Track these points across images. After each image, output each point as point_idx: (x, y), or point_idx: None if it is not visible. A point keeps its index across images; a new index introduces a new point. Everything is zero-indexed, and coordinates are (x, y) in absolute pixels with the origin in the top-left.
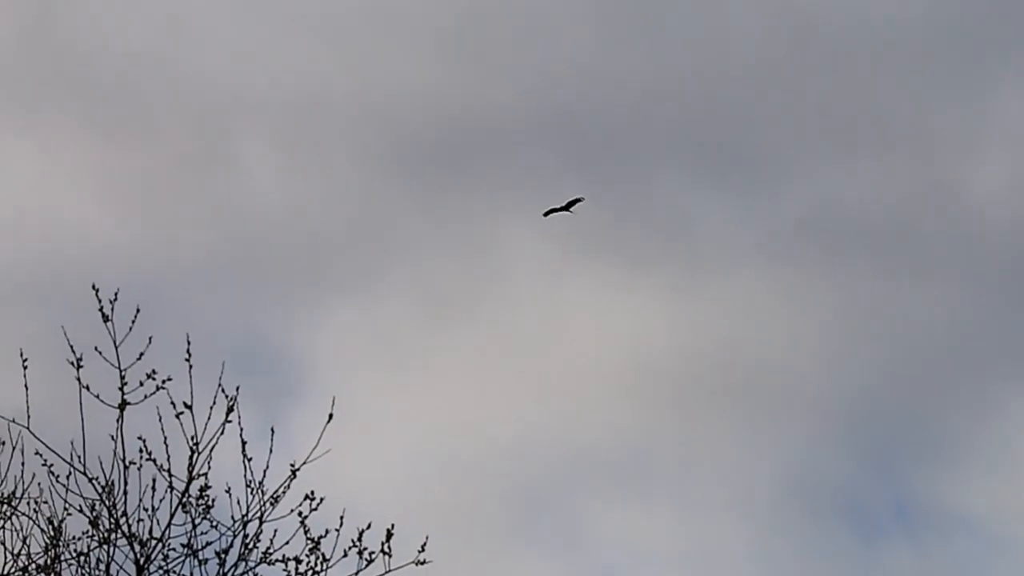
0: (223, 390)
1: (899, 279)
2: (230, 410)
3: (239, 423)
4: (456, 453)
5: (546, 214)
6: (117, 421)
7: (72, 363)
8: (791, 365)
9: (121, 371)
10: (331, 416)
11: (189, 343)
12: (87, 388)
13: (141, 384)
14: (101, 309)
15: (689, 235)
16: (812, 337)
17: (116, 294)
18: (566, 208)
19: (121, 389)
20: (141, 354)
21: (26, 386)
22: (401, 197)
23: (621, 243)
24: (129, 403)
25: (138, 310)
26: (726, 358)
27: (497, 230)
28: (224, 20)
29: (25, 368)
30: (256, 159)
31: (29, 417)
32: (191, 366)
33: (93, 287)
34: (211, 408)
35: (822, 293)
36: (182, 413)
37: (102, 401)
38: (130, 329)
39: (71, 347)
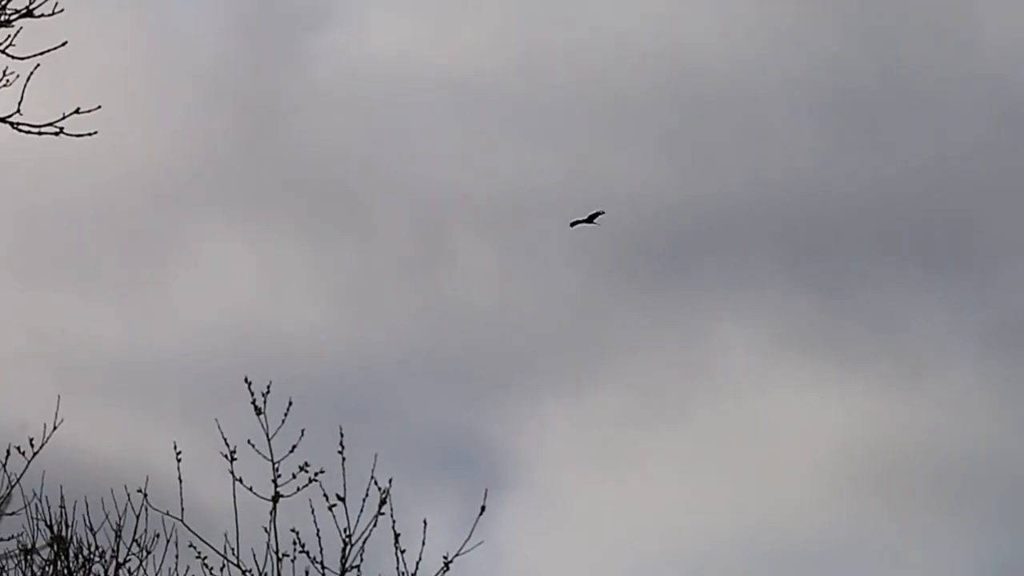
0: (375, 482)
1: None
2: (383, 502)
3: (391, 515)
4: (667, 547)
5: (572, 224)
6: (270, 513)
7: (226, 456)
8: (1006, 464)
9: (274, 463)
10: (483, 508)
11: (342, 435)
12: (240, 480)
13: (294, 476)
14: (253, 402)
15: (903, 330)
16: None
17: (268, 387)
18: (590, 220)
19: (274, 481)
20: (294, 446)
21: (180, 479)
22: (616, 293)
23: (834, 339)
24: (282, 495)
25: (290, 403)
26: (939, 455)
27: (710, 326)
28: (440, 120)
29: (179, 461)
30: (472, 256)
31: (183, 509)
32: (344, 458)
33: (246, 380)
34: (364, 500)
35: None
36: (335, 505)
37: (255, 494)
38: (283, 422)
39: (224, 440)
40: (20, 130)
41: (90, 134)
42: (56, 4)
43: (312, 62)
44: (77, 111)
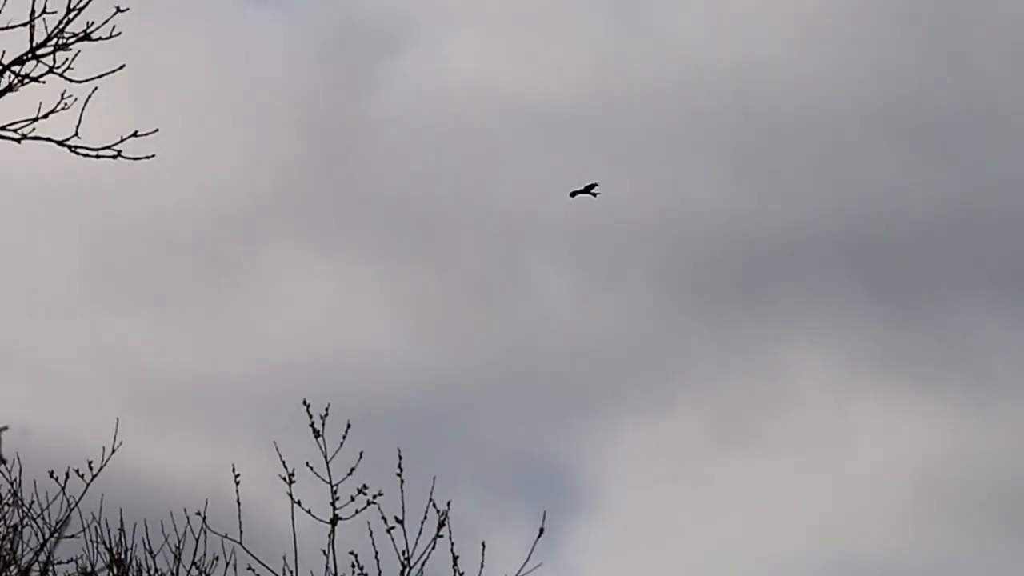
0: (434, 504)
1: None
2: (441, 524)
3: (450, 537)
4: (741, 570)
5: (572, 195)
6: (329, 536)
7: (284, 478)
8: None
9: (333, 486)
10: (542, 530)
11: (400, 458)
12: (299, 503)
13: (352, 499)
14: (312, 424)
15: (979, 354)
16: None
17: (327, 409)
18: (587, 190)
19: (333, 504)
20: (352, 469)
21: (239, 501)
22: (692, 315)
23: (910, 362)
24: (341, 518)
25: (348, 426)
26: (1014, 479)
27: (786, 349)
28: (517, 143)
29: (237, 484)
30: (548, 279)
31: (242, 532)
32: (403, 481)
33: (304, 402)
34: (422, 523)
35: None
36: (393, 528)
37: (314, 516)
38: (341, 444)
39: (283, 462)
40: (78, 153)
41: (147, 157)
42: (113, 28)
43: (391, 86)
44: (135, 134)
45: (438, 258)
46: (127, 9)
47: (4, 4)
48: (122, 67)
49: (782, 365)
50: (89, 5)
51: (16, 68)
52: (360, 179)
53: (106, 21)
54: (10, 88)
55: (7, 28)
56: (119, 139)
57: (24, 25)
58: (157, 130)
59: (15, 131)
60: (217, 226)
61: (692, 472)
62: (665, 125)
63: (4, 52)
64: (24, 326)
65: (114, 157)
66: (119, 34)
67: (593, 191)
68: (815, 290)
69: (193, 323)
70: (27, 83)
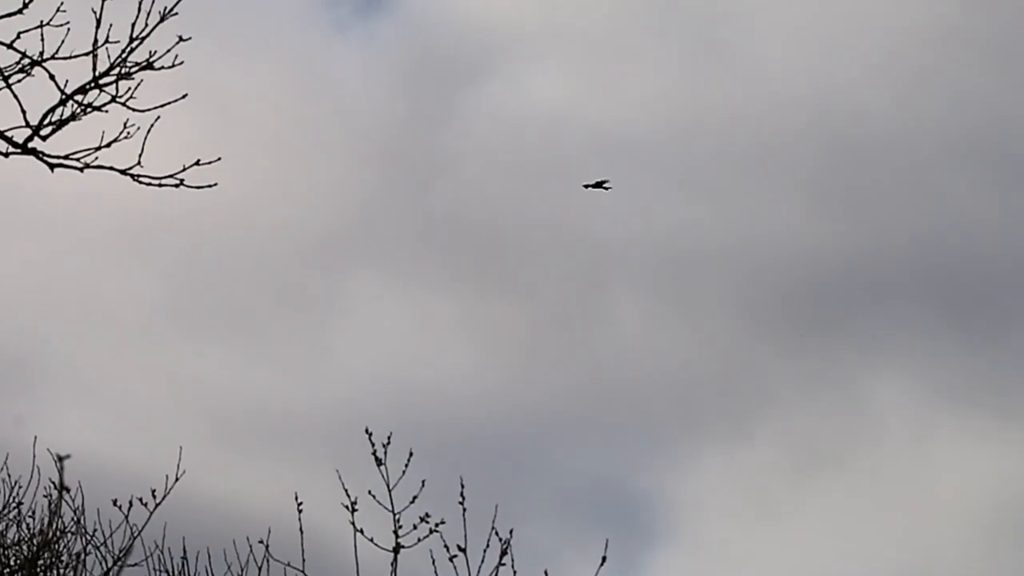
0: (496, 533)
1: None
2: (504, 552)
3: (512, 565)
4: None
5: (586, 187)
6: (391, 564)
7: (347, 507)
8: None
9: (395, 514)
10: (604, 559)
11: (463, 486)
12: (361, 531)
13: (415, 527)
14: (374, 453)
15: None
16: None
17: (389, 437)
18: (599, 185)
19: (395, 532)
20: (414, 497)
21: (301, 530)
22: (772, 345)
23: (991, 392)
24: (403, 546)
25: (411, 454)
26: None
27: (867, 378)
28: (597, 174)
29: (300, 512)
30: (628, 310)
31: (304, 560)
32: (465, 509)
33: (367, 431)
34: (485, 551)
35: None
36: (455, 556)
37: (376, 544)
38: (403, 473)
39: (346, 491)
40: (140, 182)
41: (209, 186)
42: (176, 57)
43: (471, 117)
44: (197, 163)
45: (517, 288)
46: (189, 38)
47: (67, 33)
48: (184, 96)
49: (862, 395)
50: (152, 34)
51: (79, 97)
52: (440, 209)
53: (169, 50)
54: (73, 117)
55: (71, 57)
56: (182, 167)
57: (87, 54)
58: (219, 159)
59: (78, 160)
60: (297, 256)
61: (770, 502)
62: (744, 155)
63: (67, 81)
64: (104, 355)
65: (176, 186)
66: (181, 63)
67: (605, 186)
68: (896, 320)
69: (272, 352)
70: (90, 112)
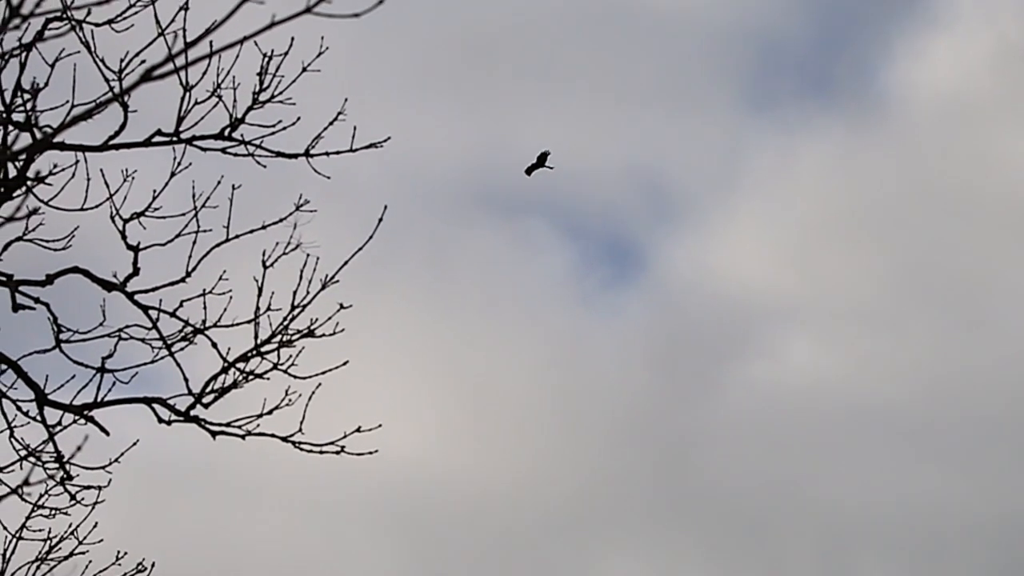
0: None
1: None
2: None
3: None
4: None
5: (528, 172)
6: None
7: None
8: None
9: None
10: None
11: None
12: None
13: None
14: None
15: None
16: None
17: None
18: (541, 162)
19: None
20: None
21: None
22: None
23: None
24: None
25: None
26: None
27: None
28: (851, 446)
29: None
30: None
31: None
32: None
33: None
34: None
35: None
36: None
37: None
38: None
39: None
40: (301, 449)
41: (370, 453)
42: (337, 324)
43: (729, 392)
44: (358, 430)
45: (767, 563)
46: (351, 306)
47: (230, 301)
48: (346, 363)
49: None
50: (313, 302)
51: (241, 365)
52: (692, 482)
53: (329, 318)
54: (235, 385)
55: (233, 325)
56: (342, 435)
57: (248, 322)
58: (380, 425)
59: (239, 427)
60: (543, 532)
61: None
62: (1004, 427)
63: (229, 349)
64: None
65: (337, 453)
66: (343, 331)
67: (547, 163)
68: None
69: None
70: (251, 379)
